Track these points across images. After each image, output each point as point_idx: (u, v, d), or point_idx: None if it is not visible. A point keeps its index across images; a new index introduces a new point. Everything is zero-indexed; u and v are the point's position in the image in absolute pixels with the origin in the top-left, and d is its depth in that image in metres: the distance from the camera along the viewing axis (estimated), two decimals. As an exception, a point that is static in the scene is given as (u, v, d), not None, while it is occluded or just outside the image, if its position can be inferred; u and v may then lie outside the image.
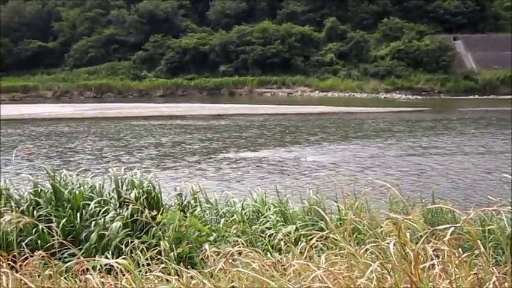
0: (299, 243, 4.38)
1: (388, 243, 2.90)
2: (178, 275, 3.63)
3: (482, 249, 3.07)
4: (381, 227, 4.09)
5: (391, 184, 4.12)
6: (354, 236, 5.30)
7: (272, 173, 17.94)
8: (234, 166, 19.47)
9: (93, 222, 6.21)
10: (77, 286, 3.71)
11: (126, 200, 6.44)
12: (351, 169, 18.52)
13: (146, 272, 3.97)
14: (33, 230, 5.87)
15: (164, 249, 4.98)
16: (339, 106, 49.17)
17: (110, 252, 5.62)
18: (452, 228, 3.05)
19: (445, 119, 38.54)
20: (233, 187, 14.62)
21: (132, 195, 6.52)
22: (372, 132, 30.20)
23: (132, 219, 6.15)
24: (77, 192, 6.80)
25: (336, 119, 38.52)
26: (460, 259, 2.97)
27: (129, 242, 5.39)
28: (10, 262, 3.92)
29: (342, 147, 24.31)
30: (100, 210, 6.46)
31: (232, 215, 6.81)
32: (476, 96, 65.90)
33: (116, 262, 2.92)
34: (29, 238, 5.75)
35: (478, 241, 3.18)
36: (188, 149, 24.24)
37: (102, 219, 6.22)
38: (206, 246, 4.17)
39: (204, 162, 20.58)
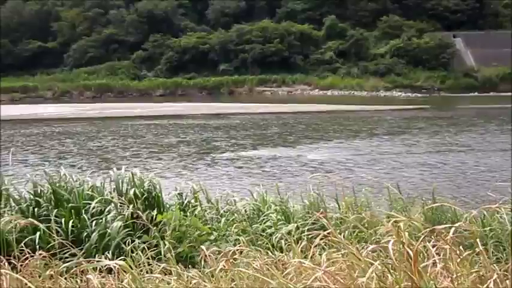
0: (300, 242, 4.38)
1: (387, 242, 2.90)
2: (178, 275, 3.63)
3: (483, 247, 3.07)
4: (382, 225, 4.08)
5: (391, 183, 4.12)
6: (355, 234, 5.30)
7: (273, 172, 17.94)
8: (235, 165, 19.47)
9: (93, 222, 6.21)
10: (77, 286, 3.71)
11: (126, 200, 6.44)
12: (351, 167, 18.52)
13: (147, 272, 3.97)
14: (34, 231, 5.86)
15: (165, 249, 4.97)
16: (338, 104, 49.14)
17: (111, 252, 5.61)
18: (453, 228, 3.04)
19: (444, 117, 38.53)
20: (233, 186, 14.62)
21: (133, 194, 6.52)
22: (372, 131, 30.18)
23: (132, 220, 6.14)
24: (77, 192, 6.79)
25: (335, 117, 38.49)
26: (461, 257, 2.97)
27: (130, 241, 5.39)
28: (11, 261, 3.91)
29: (342, 145, 24.31)
30: (101, 210, 6.45)
31: (233, 214, 6.80)
32: (476, 93, 65.86)
33: (115, 263, 2.91)
34: (30, 238, 5.74)
35: (479, 239, 3.17)
36: (188, 148, 24.24)
37: (103, 219, 6.22)
38: (203, 246, 4.15)
39: (205, 160, 20.58)
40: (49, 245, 5.35)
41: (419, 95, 66.09)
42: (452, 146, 23.50)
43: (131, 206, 6.26)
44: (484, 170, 17.70)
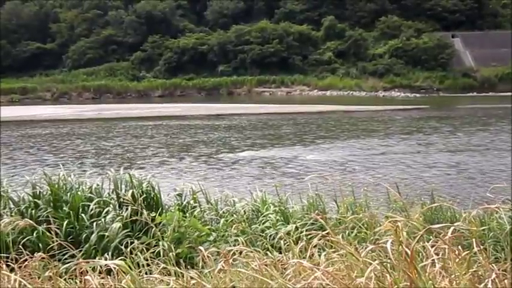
0: (299, 242, 4.38)
1: (386, 241, 2.90)
2: (177, 275, 3.63)
3: (482, 246, 3.07)
4: (380, 225, 4.08)
5: (390, 183, 4.13)
6: (354, 234, 5.31)
7: (272, 172, 17.94)
8: (234, 166, 19.46)
9: (93, 224, 6.21)
10: (76, 287, 3.71)
11: (125, 201, 6.44)
12: (350, 168, 18.52)
13: (146, 273, 3.97)
14: (33, 232, 5.86)
15: (164, 250, 4.98)
16: (337, 105, 49.17)
17: (110, 253, 5.61)
18: (452, 228, 3.05)
19: (443, 117, 38.55)
20: (233, 187, 14.62)
21: (131, 195, 6.52)
22: (371, 131, 30.20)
23: (131, 219, 6.14)
24: (76, 193, 6.79)
25: (334, 118, 38.51)
26: (459, 257, 2.97)
27: (129, 242, 5.38)
28: (9, 264, 3.91)
29: (340, 145, 24.31)
30: (100, 211, 6.46)
31: (232, 215, 6.81)
32: (475, 93, 65.92)
33: (114, 263, 2.92)
34: (29, 240, 5.75)
35: (478, 239, 3.18)
36: (187, 149, 24.23)
37: (102, 220, 6.22)
38: (201, 247, 4.15)
39: (204, 161, 20.58)
40: (49, 247, 5.35)
41: (418, 95, 66.14)
42: (451, 146, 23.51)
43: (130, 206, 6.26)
44: (484, 170, 17.71)
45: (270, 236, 5.82)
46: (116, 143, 26.36)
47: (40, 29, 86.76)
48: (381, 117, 38.84)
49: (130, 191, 6.67)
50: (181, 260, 5.11)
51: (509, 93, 56.04)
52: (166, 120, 37.88)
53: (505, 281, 2.88)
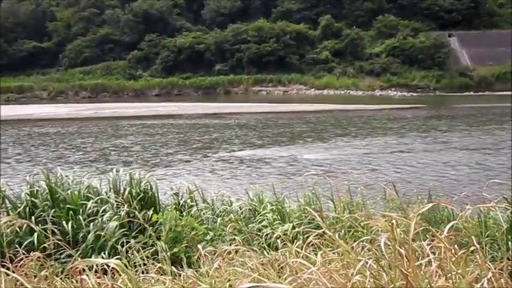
0: (295, 241, 4.38)
1: (380, 239, 2.90)
2: (174, 275, 3.62)
3: (479, 245, 3.07)
4: (377, 224, 4.08)
5: (387, 182, 4.13)
6: (350, 233, 5.31)
7: (268, 171, 17.94)
8: (230, 165, 19.46)
9: (91, 223, 6.19)
10: (72, 287, 3.70)
11: (122, 200, 6.43)
12: (347, 167, 18.53)
13: (143, 272, 3.96)
14: (30, 231, 5.85)
15: (161, 249, 4.97)
16: (334, 104, 49.19)
17: (107, 252, 5.60)
18: (449, 226, 3.05)
19: (440, 116, 38.61)
20: (229, 186, 14.62)
21: (129, 194, 6.51)
22: (367, 130, 30.22)
23: (128, 219, 6.13)
24: (73, 192, 6.77)
25: (331, 117, 38.53)
26: (456, 256, 2.97)
27: (126, 242, 5.38)
28: (5, 264, 3.90)
29: (337, 145, 24.33)
30: (97, 210, 6.44)
31: (229, 214, 6.80)
32: (471, 92, 66.01)
33: (109, 262, 2.91)
34: (25, 239, 5.73)
35: (474, 237, 3.18)
36: (184, 147, 24.21)
37: (100, 219, 6.21)
38: (199, 246, 4.15)
39: (200, 161, 20.57)
40: (44, 246, 5.33)
41: (414, 94, 66.23)
42: (447, 145, 23.54)
43: (126, 205, 6.25)
44: (480, 169, 17.74)
45: (267, 235, 5.82)
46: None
47: (37, 27, 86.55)
48: (379, 116, 38.85)
49: (128, 189, 6.66)
50: (178, 259, 5.11)
51: (506, 93, 56.13)
52: (163, 120, 37.83)
53: (502, 280, 2.88)
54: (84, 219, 6.29)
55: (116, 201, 6.55)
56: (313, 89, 72.63)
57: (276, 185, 7.94)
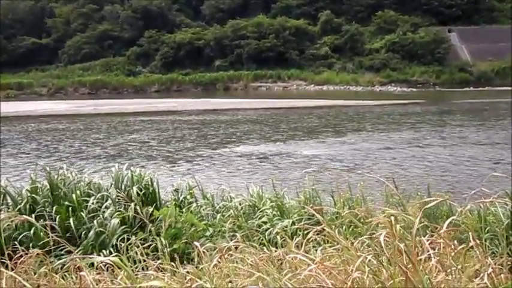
0: (295, 237, 4.38)
1: (379, 235, 2.89)
2: (173, 271, 3.62)
3: (478, 241, 3.07)
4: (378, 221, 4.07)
5: (387, 177, 4.12)
6: (350, 229, 5.30)
7: (268, 167, 17.93)
8: (230, 161, 19.45)
9: (93, 220, 6.18)
10: (72, 283, 3.70)
11: (124, 196, 6.43)
12: (347, 162, 18.52)
13: (142, 268, 3.96)
14: (29, 228, 5.84)
15: (160, 245, 4.96)
16: (334, 99, 49.15)
17: (108, 249, 5.60)
18: (448, 221, 3.04)
19: (439, 111, 38.59)
20: (229, 182, 14.60)
21: (131, 192, 6.51)
22: (367, 126, 30.20)
23: (128, 213, 6.12)
24: (75, 189, 6.77)
25: (331, 113, 38.50)
26: (456, 251, 2.97)
27: (126, 238, 5.38)
28: (4, 260, 3.90)
29: (337, 140, 24.32)
30: (98, 207, 6.44)
31: (229, 210, 6.80)
32: (471, 88, 65.95)
33: (109, 259, 2.90)
34: (24, 235, 5.73)
35: (474, 232, 3.17)
36: (184, 144, 24.20)
37: (101, 216, 6.20)
38: (196, 243, 4.14)
39: (200, 157, 20.56)
40: (44, 242, 5.33)
41: (414, 89, 66.17)
42: (449, 140, 23.53)
43: (128, 202, 6.25)
44: (479, 163, 17.73)
45: (267, 231, 5.81)
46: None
47: (36, 24, 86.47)
48: (378, 112, 38.81)
49: (132, 187, 6.67)
50: (177, 256, 5.11)
51: (506, 88, 56.09)
52: (163, 116, 37.82)
53: (501, 275, 2.88)
54: (85, 216, 6.29)
55: (118, 197, 6.55)
56: (312, 85, 72.58)
57: (276, 181, 7.92)
